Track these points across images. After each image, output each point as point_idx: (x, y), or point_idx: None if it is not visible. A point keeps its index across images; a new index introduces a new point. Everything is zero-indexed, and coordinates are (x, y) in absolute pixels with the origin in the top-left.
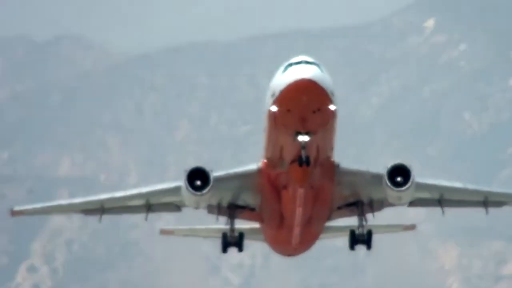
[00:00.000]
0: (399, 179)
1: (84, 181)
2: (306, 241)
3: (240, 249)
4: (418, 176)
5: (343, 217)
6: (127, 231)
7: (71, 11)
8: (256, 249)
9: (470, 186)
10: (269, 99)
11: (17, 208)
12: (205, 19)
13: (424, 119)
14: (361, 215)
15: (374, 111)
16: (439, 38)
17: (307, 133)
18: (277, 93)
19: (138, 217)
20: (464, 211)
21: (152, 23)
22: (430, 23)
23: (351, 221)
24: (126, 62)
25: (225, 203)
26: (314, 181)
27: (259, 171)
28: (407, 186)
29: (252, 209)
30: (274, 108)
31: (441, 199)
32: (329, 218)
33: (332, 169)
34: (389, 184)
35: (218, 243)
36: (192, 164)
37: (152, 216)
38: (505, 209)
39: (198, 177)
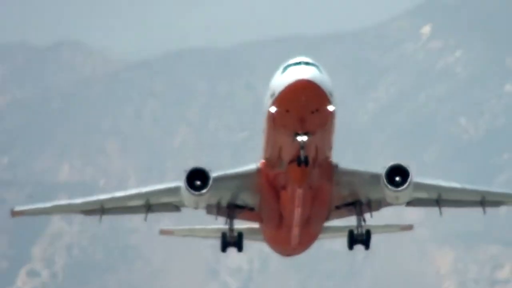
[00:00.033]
0: (397, 179)
1: (83, 186)
2: (305, 241)
3: (240, 249)
4: (416, 176)
5: (342, 217)
6: (127, 235)
7: (71, 17)
8: (254, 254)
9: (468, 186)
10: (268, 100)
11: (17, 208)
12: (204, 25)
13: (421, 125)
14: (360, 215)
15: (371, 116)
16: (436, 44)
17: (305, 134)
18: (276, 93)
19: (138, 221)
20: (460, 215)
21: (151, 29)
22: (426, 29)
23: (350, 221)
24: (125, 68)
25: (224, 203)
26: (312, 181)
27: (258, 171)
28: (405, 186)
29: (251, 209)
30: (273, 109)
31: (439, 199)
32: (327, 218)
33: (330, 169)
34: (387, 184)
35: (217, 247)
36: None
37: (151, 219)
38: (501, 213)
39: (197, 177)
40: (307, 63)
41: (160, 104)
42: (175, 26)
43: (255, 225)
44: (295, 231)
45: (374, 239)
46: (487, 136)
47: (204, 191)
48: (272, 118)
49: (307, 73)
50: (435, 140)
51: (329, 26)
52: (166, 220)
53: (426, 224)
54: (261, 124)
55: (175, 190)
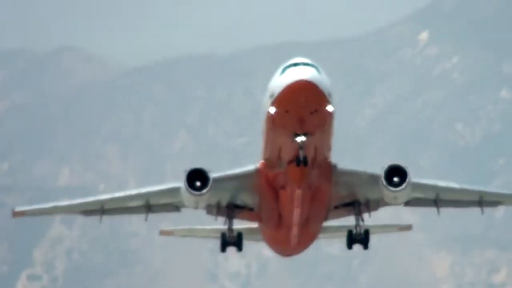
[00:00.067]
0: (396, 179)
1: (83, 191)
2: (304, 241)
3: (239, 248)
4: (414, 177)
5: (340, 217)
6: (126, 239)
7: (71, 23)
8: (253, 258)
9: (465, 186)
10: (267, 101)
11: (18, 209)
12: (203, 32)
13: (418, 130)
14: (358, 215)
15: (369, 122)
16: (433, 50)
17: (304, 134)
18: (275, 94)
19: (137, 226)
20: (456, 220)
21: (150, 36)
22: (423, 35)
23: (349, 221)
24: (125, 74)
25: (224, 203)
26: (311, 181)
27: (257, 171)
28: (403, 186)
29: (251, 209)
30: (272, 109)
31: (437, 199)
32: (326, 218)
33: (329, 169)
34: (386, 184)
35: (216, 252)
36: None
37: (150, 223)
38: (498, 217)
39: (197, 178)
40: (306, 64)
41: (159, 110)
42: (174, 32)
43: (255, 225)
44: (294, 231)
45: (372, 243)
46: (484, 141)
47: (204, 191)
48: (271, 118)
49: (306, 73)
50: (432, 145)
51: (327, 32)
52: (166, 222)
53: (423, 228)
54: (260, 130)
55: (175, 191)
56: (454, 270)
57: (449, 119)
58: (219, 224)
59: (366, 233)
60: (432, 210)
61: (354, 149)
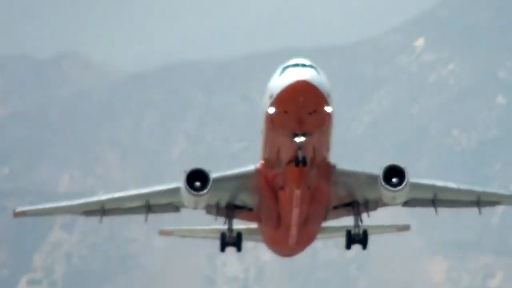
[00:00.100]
0: (394, 180)
1: (83, 196)
2: (303, 241)
3: (239, 249)
4: (412, 177)
5: (339, 217)
6: (125, 244)
7: (71, 30)
8: (250, 263)
9: (463, 186)
10: (266, 101)
11: (19, 209)
12: (201, 38)
13: (414, 136)
14: (357, 215)
15: (366, 128)
16: (429, 57)
17: (303, 134)
18: (274, 95)
19: (136, 231)
20: (453, 225)
21: (149, 42)
22: (420, 42)
23: (347, 221)
24: (124, 81)
25: (223, 203)
26: (310, 181)
27: (256, 172)
28: (401, 186)
29: (250, 209)
30: (271, 110)
31: (435, 199)
32: (325, 218)
33: (328, 169)
34: (384, 184)
35: (214, 256)
36: None
37: (149, 229)
38: (494, 222)
39: (197, 178)
40: (305, 65)
41: (158, 116)
42: (173, 39)
43: (254, 225)
44: (293, 231)
45: (369, 248)
46: (480, 147)
47: (203, 191)
48: (270, 119)
49: (305, 74)
50: (428, 151)
51: (324, 39)
52: (165, 226)
53: (419, 233)
54: (258, 135)
55: (175, 191)
56: (450, 275)
57: (445, 125)
58: (219, 224)
59: (365, 233)
60: (429, 215)
61: (351, 155)
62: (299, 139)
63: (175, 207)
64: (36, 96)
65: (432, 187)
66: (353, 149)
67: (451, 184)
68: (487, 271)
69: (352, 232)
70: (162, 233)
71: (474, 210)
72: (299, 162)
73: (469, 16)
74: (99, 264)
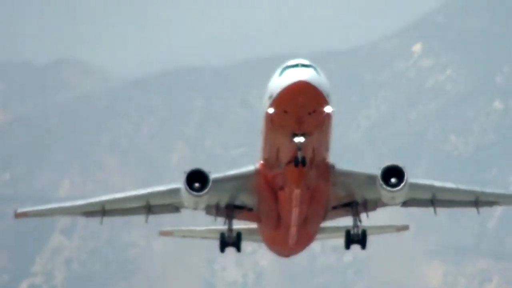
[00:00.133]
0: (393, 180)
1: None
2: (303, 241)
3: (238, 249)
4: (411, 177)
5: (338, 217)
6: (125, 249)
7: (70, 36)
8: (249, 267)
9: (462, 186)
10: (266, 101)
11: (20, 210)
12: (200, 44)
13: (412, 141)
14: (356, 215)
15: (363, 133)
16: (426, 62)
17: (303, 134)
18: (274, 95)
19: (136, 235)
20: (450, 229)
21: (148, 48)
22: (417, 47)
23: (347, 222)
24: (124, 86)
25: (223, 203)
26: (310, 181)
27: (256, 172)
28: (400, 186)
29: (250, 210)
30: (271, 110)
31: (434, 199)
32: (324, 218)
33: (327, 170)
34: (383, 184)
35: (213, 261)
36: None
37: (149, 234)
38: (491, 227)
39: (197, 179)
40: (304, 65)
41: (157, 121)
42: (172, 45)
43: (254, 225)
44: (293, 231)
45: (367, 252)
46: (477, 152)
47: (203, 192)
48: (270, 119)
49: (305, 74)
50: (426, 156)
51: (322, 45)
52: (165, 227)
53: (416, 238)
54: (257, 141)
55: (175, 192)
56: (447, 279)
57: (443, 130)
58: (219, 224)
59: (364, 233)
60: (426, 219)
61: (349, 160)
62: (299, 139)
63: (175, 208)
64: (36, 101)
65: (431, 187)
66: (350, 154)
67: (450, 184)
68: (484, 276)
69: (351, 232)
70: (162, 233)
71: (472, 214)
72: (298, 162)
73: (466, 21)
74: (99, 269)
